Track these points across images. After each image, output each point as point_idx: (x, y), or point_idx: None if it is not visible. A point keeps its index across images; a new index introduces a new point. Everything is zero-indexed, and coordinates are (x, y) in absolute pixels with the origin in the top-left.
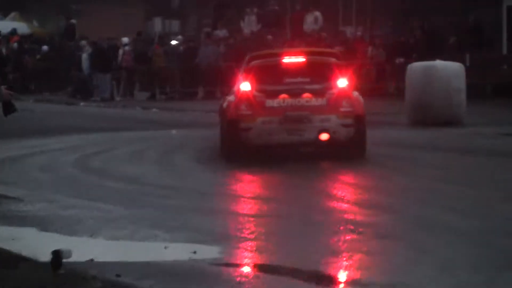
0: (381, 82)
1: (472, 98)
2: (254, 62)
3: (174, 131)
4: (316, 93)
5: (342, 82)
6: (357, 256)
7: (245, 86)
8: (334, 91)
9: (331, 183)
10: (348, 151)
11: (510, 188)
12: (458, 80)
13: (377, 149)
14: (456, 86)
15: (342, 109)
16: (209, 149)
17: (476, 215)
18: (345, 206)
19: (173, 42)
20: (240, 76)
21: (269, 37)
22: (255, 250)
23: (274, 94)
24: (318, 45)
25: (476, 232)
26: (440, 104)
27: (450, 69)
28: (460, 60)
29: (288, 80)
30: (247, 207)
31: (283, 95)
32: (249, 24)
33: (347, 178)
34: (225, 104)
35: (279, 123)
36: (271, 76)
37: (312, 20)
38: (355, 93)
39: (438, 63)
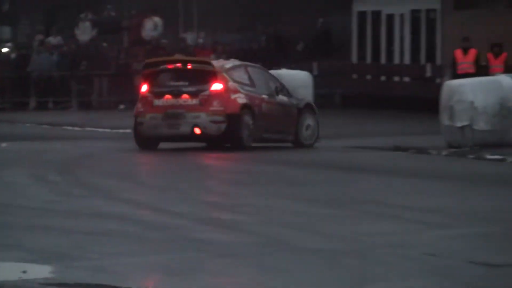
0: None
1: (319, 109)
2: (149, 68)
3: (4, 144)
4: (191, 95)
5: (216, 86)
6: (198, 276)
7: (143, 88)
8: (207, 93)
9: (171, 198)
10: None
11: (363, 206)
12: (305, 89)
13: (218, 162)
14: (303, 96)
15: (212, 108)
16: (43, 163)
17: (325, 234)
18: (186, 223)
19: (4, 50)
20: (142, 79)
21: (104, 44)
22: (89, 270)
23: (160, 95)
24: (157, 52)
25: (324, 251)
26: None
27: (296, 78)
28: (308, 68)
29: (172, 83)
30: (82, 224)
31: (167, 96)
32: (84, 31)
33: (188, 193)
34: None
35: (162, 119)
36: (160, 80)
37: (151, 26)
38: (234, 96)
39: (284, 71)
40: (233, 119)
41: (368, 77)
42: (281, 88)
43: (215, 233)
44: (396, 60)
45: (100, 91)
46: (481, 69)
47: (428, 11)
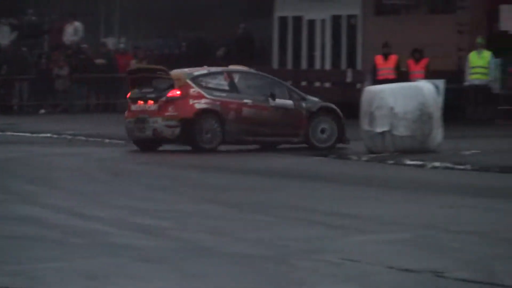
0: None
1: None
2: (130, 76)
3: None
4: (154, 101)
5: (172, 93)
6: (118, 281)
7: (129, 94)
8: (164, 99)
9: (90, 203)
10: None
11: (283, 211)
12: None
13: (141, 167)
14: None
15: (167, 114)
16: None
17: (244, 239)
18: (107, 228)
19: None
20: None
21: (24, 49)
22: (8, 274)
23: (135, 101)
24: (77, 57)
25: (244, 257)
26: None
27: None
28: None
29: (144, 90)
30: (0, 228)
31: (140, 102)
32: (3, 35)
33: (108, 198)
34: None
35: (134, 123)
36: (138, 86)
37: (72, 31)
38: (193, 101)
39: None
40: (187, 123)
41: (289, 82)
42: (275, 93)
43: (136, 238)
44: (317, 66)
45: (21, 95)
46: (402, 75)
47: (349, 16)
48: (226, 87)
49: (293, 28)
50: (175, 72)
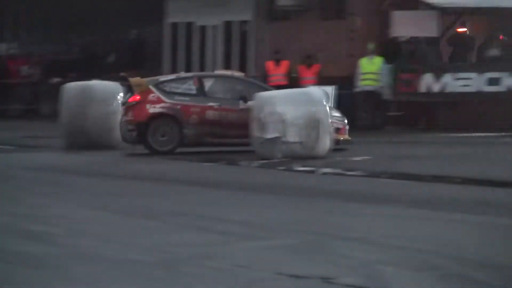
0: (36, 103)
1: None
2: (125, 84)
3: None
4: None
5: (133, 98)
6: None
7: None
8: (127, 104)
9: None
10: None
11: (172, 217)
12: (115, 101)
13: (29, 173)
14: (113, 108)
15: (127, 118)
16: None
17: (133, 245)
18: None
19: None
20: None
21: None
22: None
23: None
24: None
25: (133, 263)
26: (97, 127)
27: (108, 89)
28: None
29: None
30: None
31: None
32: None
33: None
34: None
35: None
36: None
37: None
38: (150, 106)
39: (95, 83)
40: (141, 127)
41: None
42: (246, 96)
43: (24, 245)
44: (209, 71)
45: None
46: (293, 81)
47: (241, 22)
48: (193, 91)
49: (185, 34)
50: (136, 79)
